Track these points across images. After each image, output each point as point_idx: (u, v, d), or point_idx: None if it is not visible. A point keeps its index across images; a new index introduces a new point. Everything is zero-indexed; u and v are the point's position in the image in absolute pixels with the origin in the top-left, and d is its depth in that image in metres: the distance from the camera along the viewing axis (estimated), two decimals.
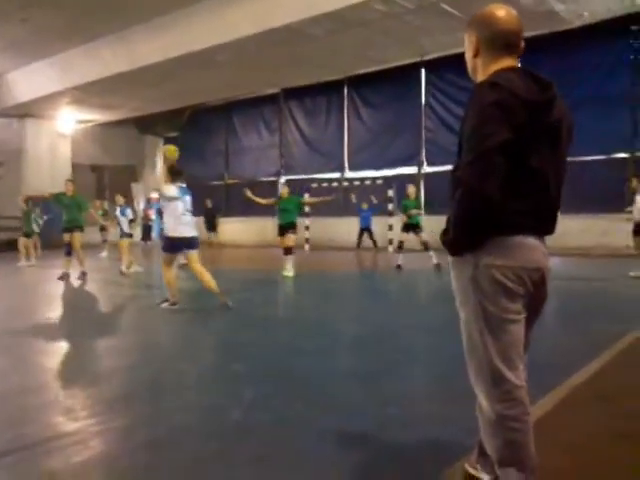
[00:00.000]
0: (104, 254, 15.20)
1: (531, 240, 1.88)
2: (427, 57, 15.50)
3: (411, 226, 11.19)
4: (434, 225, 15.30)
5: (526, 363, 2.06)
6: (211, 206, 19.84)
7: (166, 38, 12.76)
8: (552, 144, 1.89)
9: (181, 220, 6.76)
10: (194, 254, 6.93)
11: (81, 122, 19.94)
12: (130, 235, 11.80)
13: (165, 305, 6.90)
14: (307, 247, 17.65)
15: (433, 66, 16.15)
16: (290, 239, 10.35)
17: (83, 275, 10.17)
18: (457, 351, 2.22)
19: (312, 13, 10.48)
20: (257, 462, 2.65)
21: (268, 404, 3.44)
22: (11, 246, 14.09)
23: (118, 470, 2.61)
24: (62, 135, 19.90)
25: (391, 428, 3.05)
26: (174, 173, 6.88)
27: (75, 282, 9.99)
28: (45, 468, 2.61)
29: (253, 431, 3.02)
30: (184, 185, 7.00)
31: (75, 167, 20.43)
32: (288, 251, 10.28)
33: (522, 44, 2.00)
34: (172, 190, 6.75)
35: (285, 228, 10.43)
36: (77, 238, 10.32)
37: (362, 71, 16.71)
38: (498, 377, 1.89)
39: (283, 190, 11.02)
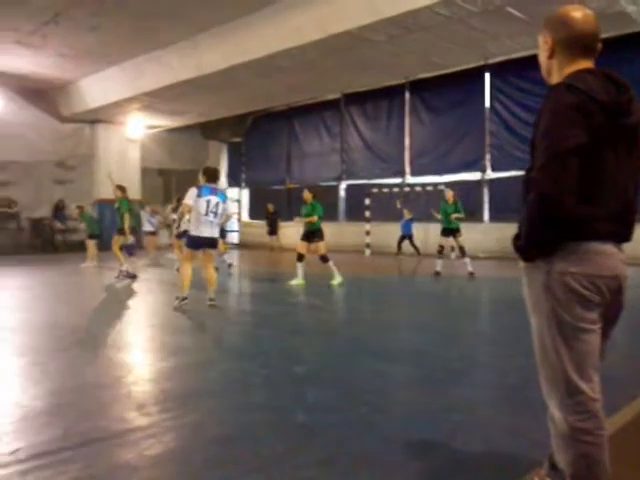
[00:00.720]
0: (170, 255, 15.61)
1: (608, 247, 1.83)
2: (491, 61, 15.23)
3: (451, 230, 11.11)
4: (499, 232, 15.01)
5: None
6: (273, 210, 20.11)
7: (231, 45, 13.04)
8: (629, 147, 1.85)
9: (201, 220, 7.02)
10: (211, 253, 7.37)
11: (149, 127, 20.61)
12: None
13: (176, 303, 7.10)
14: (368, 252, 17.62)
15: (498, 70, 15.83)
16: (320, 247, 9.95)
17: (121, 273, 10.94)
18: (525, 361, 2.19)
19: (374, 19, 10.46)
20: (322, 464, 2.69)
21: (332, 407, 3.47)
22: (83, 247, 14.68)
23: (190, 464, 2.70)
24: (131, 140, 20.61)
25: (456, 436, 3.03)
26: (207, 174, 7.33)
27: (136, 282, 10.34)
28: (119, 460, 2.73)
29: (318, 433, 3.06)
30: (214, 186, 7.32)
31: (143, 171, 21.14)
32: (324, 259, 9.95)
33: (599, 45, 1.96)
34: (191, 191, 7.08)
35: (311, 234, 10.03)
36: (114, 240, 11.32)
37: (424, 75, 16.57)
38: (572, 388, 1.85)
39: (306, 195, 10.25)
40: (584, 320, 1.84)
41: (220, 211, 7.15)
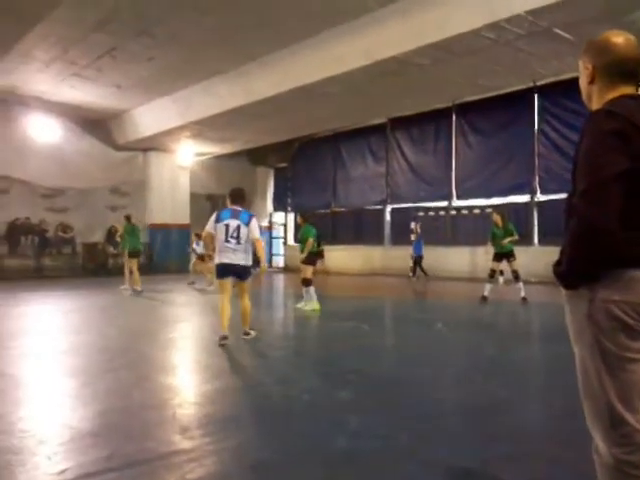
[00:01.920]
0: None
1: None
2: (540, 82, 15.04)
3: (503, 255, 10.79)
4: (548, 256, 14.74)
5: None
6: (318, 234, 20.18)
7: (278, 73, 13.33)
8: None
9: (222, 246, 6.41)
10: (242, 284, 6.60)
11: (199, 155, 21.15)
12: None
13: (223, 342, 6.33)
14: (417, 276, 17.45)
15: (546, 91, 15.62)
16: (305, 270, 9.80)
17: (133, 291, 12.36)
18: (573, 390, 2.12)
19: (419, 44, 10.51)
20: None
21: (374, 433, 3.44)
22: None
23: None
24: (182, 167, 21.20)
25: (497, 465, 2.96)
26: (231, 195, 6.73)
27: (180, 303, 10.54)
28: None
29: (358, 459, 3.04)
30: (237, 208, 6.59)
31: (192, 196, 21.67)
32: (305, 282, 9.76)
33: None
34: (212, 217, 6.61)
35: (314, 256, 10.05)
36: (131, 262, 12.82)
37: (471, 98, 16.49)
38: (616, 419, 1.79)
39: (299, 220, 10.53)
40: (629, 349, 1.78)
41: (243, 235, 6.40)
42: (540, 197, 16.23)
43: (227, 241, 6.37)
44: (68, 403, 4.21)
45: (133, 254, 13.09)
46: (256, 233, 6.56)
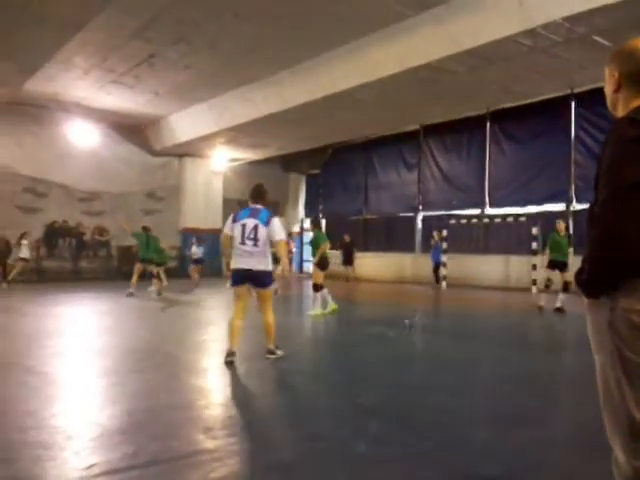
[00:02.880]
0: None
1: None
2: (577, 90, 14.78)
3: (557, 263, 10.50)
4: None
5: None
6: (349, 240, 20.22)
7: (312, 80, 13.43)
8: None
9: (238, 249, 5.69)
10: (263, 293, 5.78)
11: (232, 160, 21.41)
12: None
13: (229, 358, 5.59)
14: (444, 284, 17.29)
15: (584, 98, 15.33)
16: (316, 276, 9.77)
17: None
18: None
19: (453, 50, 10.47)
20: None
21: (395, 439, 3.43)
22: (168, 273, 15.33)
23: None
24: (215, 172, 21.50)
25: (520, 475, 2.92)
26: (251, 193, 6.03)
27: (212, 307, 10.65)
28: None
29: (378, 465, 3.04)
30: (257, 207, 5.87)
31: (225, 201, 21.93)
32: (316, 288, 9.76)
33: None
34: (229, 219, 5.90)
35: (325, 261, 9.89)
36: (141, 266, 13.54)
37: (506, 105, 16.30)
38: (636, 430, 1.76)
39: (310, 225, 10.51)
40: None
41: (261, 237, 5.63)
42: (576, 206, 15.93)
43: (243, 243, 5.65)
44: (97, 401, 4.31)
45: (143, 261, 13.55)
46: (279, 234, 5.75)
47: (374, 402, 4.30)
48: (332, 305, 9.92)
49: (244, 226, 5.69)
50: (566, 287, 10.37)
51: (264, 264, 5.68)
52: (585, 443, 3.43)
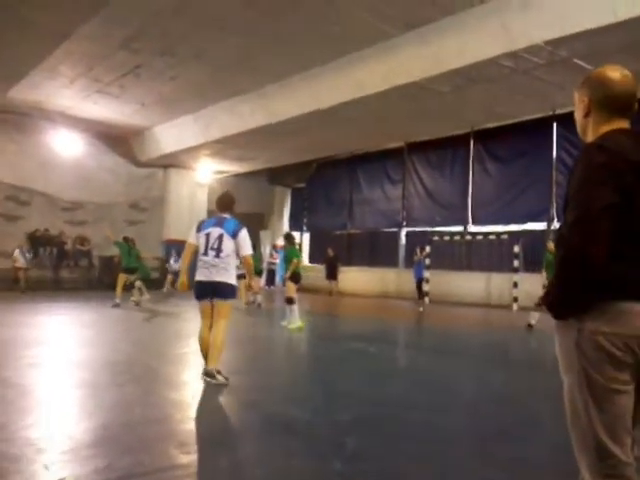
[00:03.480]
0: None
1: None
2: (559, 111, 15.02)
3: None
4: None
5: (637, 439, 1.92)
6: (332, 255, 20.25)
7: (299, 95, 13.50)
8: None
9: (200, 260, 5.36)
10: (221, 305, 5.33)
11: (218, 172, 21.40)
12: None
13: (207, 379, 5.25)
14: (427, 300, 17.33)
15: (565, 120, 15.54)
16: (290, 289, 9.82)
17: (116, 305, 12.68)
18: None
19: (438, 70, 10.61)
20: None
21: (372, 455, 3.44)
22: (152, 283, 15.26)
23: None
24: (200, 184, 21.45)
25: None
26: (217, 201, 5.70)
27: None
28: None
29: None
30: (225, 216, 5.53)
31: (210, 213, 21.83)
32: (289, 301, 9.80)
33: (636, 106, 1.96)
34: (193, 228, 5.56)
35: (298, 275, 10.01)
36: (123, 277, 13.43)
37: (490, 125, 16.51)
38: (602, 451, 1.78)
39: (284, 241, 10.74)
40: (616, 381, 1.78)
41: (225, 248, 5.28)
42: (557, 225, 16.12)
43: (205, 254, 5.30)
44: (72, 414, 4.26)
45: (126, 270, 13.51)
46: (246, 249, 5.41)
47: (352, 418, 4.30)
48: (299, 323, 9.85)
49: (208, 235, 5.35)
50: (539, 304, 10.47)
51: (226, 276, 5.29)
52: (561, 463, 3.44)
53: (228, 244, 5.31)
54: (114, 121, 17.45)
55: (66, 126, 17.59)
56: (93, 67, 12.90)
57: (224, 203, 5.62)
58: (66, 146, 18.09)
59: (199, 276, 5.33)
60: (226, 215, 5.55)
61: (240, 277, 14.89)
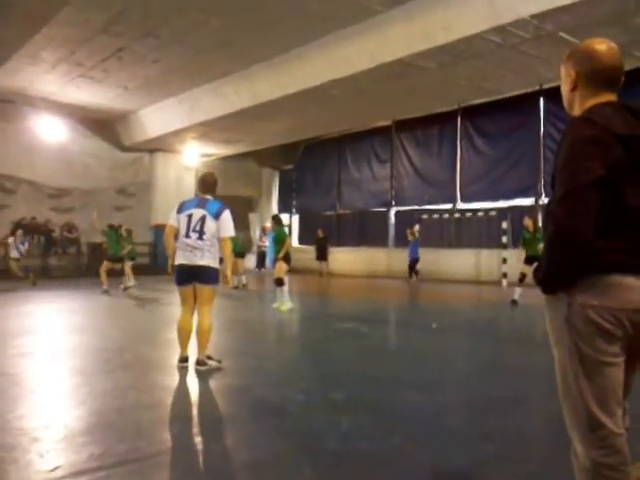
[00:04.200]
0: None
1: (630, 280, 1.78)
2: (546, 86, 14.99)
3: (533, 259, 10.60)
4: None
5: (628, 410, 1.95)
6: (322, 236, 20.26)
7: (284, 75, 13.37)
8: None
9: (182, 243, 5.20)
10: (204, 289, 5.19)
11: (205, 155, 21.23)
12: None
13: (182, 364, 5.27)
14: (415, 278, 17.42)
15: (552, 95, 15.52)
16: (280, 270, 9.83)
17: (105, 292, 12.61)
18: None
19: (424, 47, 10.52)
20: None
21: (365, 435, 3.46)
22: (138, 270, 15.16)
23: None
24: (187, 168, 21.28)
25: (490, 466, 2.98)
26: (199, 182, 5.59)
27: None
28: None
29: (348, 460, 3.05)
30: (207, 198, 5.37)
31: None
32: (279, 282, 9.84)
33: (622, 79, 1.94)
34: (174, 210, 5.39)
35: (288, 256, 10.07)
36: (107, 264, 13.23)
37: (477, 101, 16.46)
38: (594, 422, 1.81)
39: (272, 223, 10.74)
40: (606, 354, 1.80)
41: (208, 230, 5.12)
42: (545, 200, 16.18)
43: (187, 236, 5.13)
44: (65, 402, 4.26)
45: (112, 259, 13.35)
46: (228, 230, 5.21)
47: (345, 397, 4.32)
48: (289, 304, 9.89)
49: (190, 217, 5.17)
50: (521, 279, 10.59)
51: (209, 259, 5.13)
52: (553, 434, 3.48)
53: (211, 226, 5.14)
54: (98, 106, 17.22)
55: (50, 112, 17.32)
56: (75, 51, 12.68)
57: (207, 183, 5.47)
58: (51, 132, 17.84)
59: (180, 259, 5.16)
60: (208, 196, 5.38)
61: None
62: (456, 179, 18.24)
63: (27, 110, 17.16)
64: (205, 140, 19.02)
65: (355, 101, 14.19)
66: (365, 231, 21.37)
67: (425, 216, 18.09)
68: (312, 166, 23.21)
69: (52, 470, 2.87)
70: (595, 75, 1.94)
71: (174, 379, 5.11)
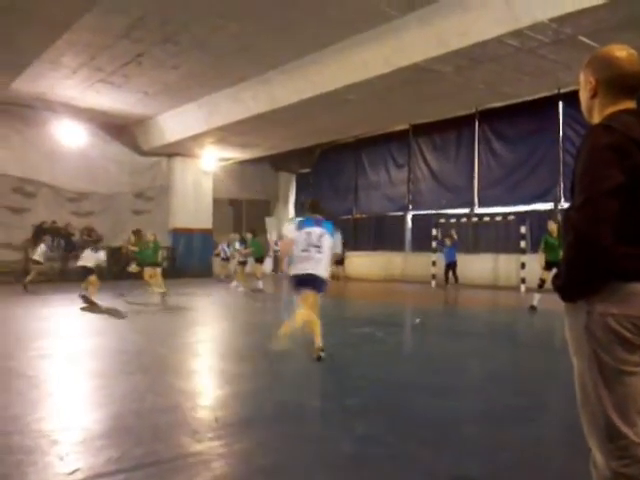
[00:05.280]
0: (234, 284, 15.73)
1: None
2: (565, 89, 14.87)
3: (553, 264, 10.44)
4: None
5: None
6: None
7: (301, 80, 13.42)
8: None
9: (301, 256, 5.97)
10: (315, 296, 6.02)
11: (222, 160, 21.35)
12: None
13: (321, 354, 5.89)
14: (433, 283, 17.34)
15: (571, 99, 15.41)
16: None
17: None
18: None
19: (441, 51, 10.49)
20: None
21: (381, 439, 3.45)
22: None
23: None
24: (205, 172, 21.42)
25: (506, 474, 2.96)
26: (309, 205, 6.55)
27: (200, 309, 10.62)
28: None
29: (364, 465, 3.05)
30: (319, 217, 6.26)
31: (215, 201, 21.87)
32: None
33: None
34: (290, 226, 6.49)
35: None
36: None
37: (495, 105, 16.36)
38: (613, 432, 1.78)
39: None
40: (626, 363, 1.78)
41: (325, 245, 5.99)
42: (564, 205, 16.01)
43: (307, 250, 5.95)
44: (83, 405, 4.30)
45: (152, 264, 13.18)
46: (339, 247, 6.54)
47: (361, 402, 4.32)
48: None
49: (309, 234, 6.02)
50: (541, 285, 10.44)
51: (324, 271, 5.97)
52: (571, 442, 3.45)
53: (328, 242, 6.03)
54: (117, 111, 17.42)
55: (70, 117, 17.54)
56: (95, 57, 12.85)
57: (317, 206, 6.45)
58: (70, 137, 18.03)
59: (300, 270, 5.96)
60: (319, 217, 6.28)
61: (242, 263, 15.09)
62: (474, 183, 18.13)
63: (47, 115, 17.39)
64: (223, 144, 19.13)
65: (371, 106, 14.19)
66: (382, 235, 21.32)
67: (442, 220, 17.99)
68: (329, 170, 23.22)
69: (71, 473, 2.90)
70: (615, 82, 1.93)
71: (192, 382, 5.16)
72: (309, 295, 5.96)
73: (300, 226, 6.22)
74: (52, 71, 13.86)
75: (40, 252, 14.79)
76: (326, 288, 6.12)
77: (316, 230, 6.04)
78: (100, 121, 18.48)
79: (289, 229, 6.40)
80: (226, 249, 17.09)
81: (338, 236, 6.34)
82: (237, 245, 14.87)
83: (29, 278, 14.51)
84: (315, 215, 6.30)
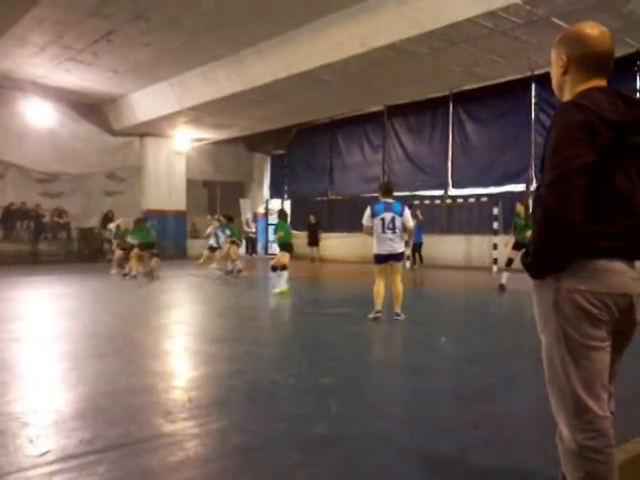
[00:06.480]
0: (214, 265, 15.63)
1: (617, 264, 1.80)
2: (537, 72, 14.97)
3: (523, 245, 10.61)
4: None
5: (614, 394, 1.97)
6: (314, 222, 20.21)
7: (275, 60, 13.27)
8: None
9: (380, 238, 7.11)
10: (396, 266, 7.31)
11: (195, 140, 21.09)
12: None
13: (371, 315, 7.22)
14: (408, 264, 17.43)
15: (544, 81, 15.52)
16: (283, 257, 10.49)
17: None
18: None
19: (416, 32, 10.46)
20: (336, 476, 2.71)
21: (354, 419, 3.48)
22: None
23: (207, 473, 2.76)
24: (178, 153, 21.14)
25: (476, 451, 3.00)
26: (381, 189, 7.57)
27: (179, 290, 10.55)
28: (141, 466, 2.81)
29: (336, 444, 3.08)
30: (389, 201, 7.24)
31: (189, 183, 21.64)
32: (283, 268, 10.35)
33: (612, 64, 1.94)
34: (366, 212, 7.22)
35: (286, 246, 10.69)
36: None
37: (469, 87, 16.42)
38: (580, 406, 1.83)
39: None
40: (592, 338, 1.81)
41: (398, 226, 7.11)
42: (535, 186, 16.22)
43: (384, 232, 7.08)
44: (55, 387, 4.26)
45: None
46: (410, 222, 7.35)
47: (336, 382, 4.35)
48: (285, 287, 10.13)
49: (383, 220, 7.10)
50: (508, 263, 10.66)
51: (400, 246, 7.21)
52: (540, 419, 3.52)
53: (399, 222, 7.14)
54: (87, 89, 17.04)
55: (39, 95, 17.08)
56: (64, 34, 12.51)
57: (388, 190, 7.39)
58: (39, 116, 17.59)
59: (382, 250, 7.15)
60: (390, 200, 7.27)
61: (216, 249, 14.95)
62: (448, 165, 18.24)
63: (15, 94, 16.94)
64: (196, 125, 18.89)
65: (347, 86, 14.11)
66: (357, 217, 21.20)
67: (417, 202, 18.07)
68: (304, 151, 23.12)
69: (42, 455, 2.87)
70: (586, 60, 1.94)
71: (165, 364, 5.13)
72: (394, 265, 7.24)
73: (374, 213, 7.16)
74: (19, 49, 13.49)
75: None
76: (403, 258, 7.59)
77: (387, 215, 7.10)
78: (70, 100, 18.06)
79: (365, 217, 7.24)
80: (221, 235, 16.47)
81: (407, 212, 7.27)
82: (227, 232, 14.64)
83: None
84: (386, 199, 7.24)
